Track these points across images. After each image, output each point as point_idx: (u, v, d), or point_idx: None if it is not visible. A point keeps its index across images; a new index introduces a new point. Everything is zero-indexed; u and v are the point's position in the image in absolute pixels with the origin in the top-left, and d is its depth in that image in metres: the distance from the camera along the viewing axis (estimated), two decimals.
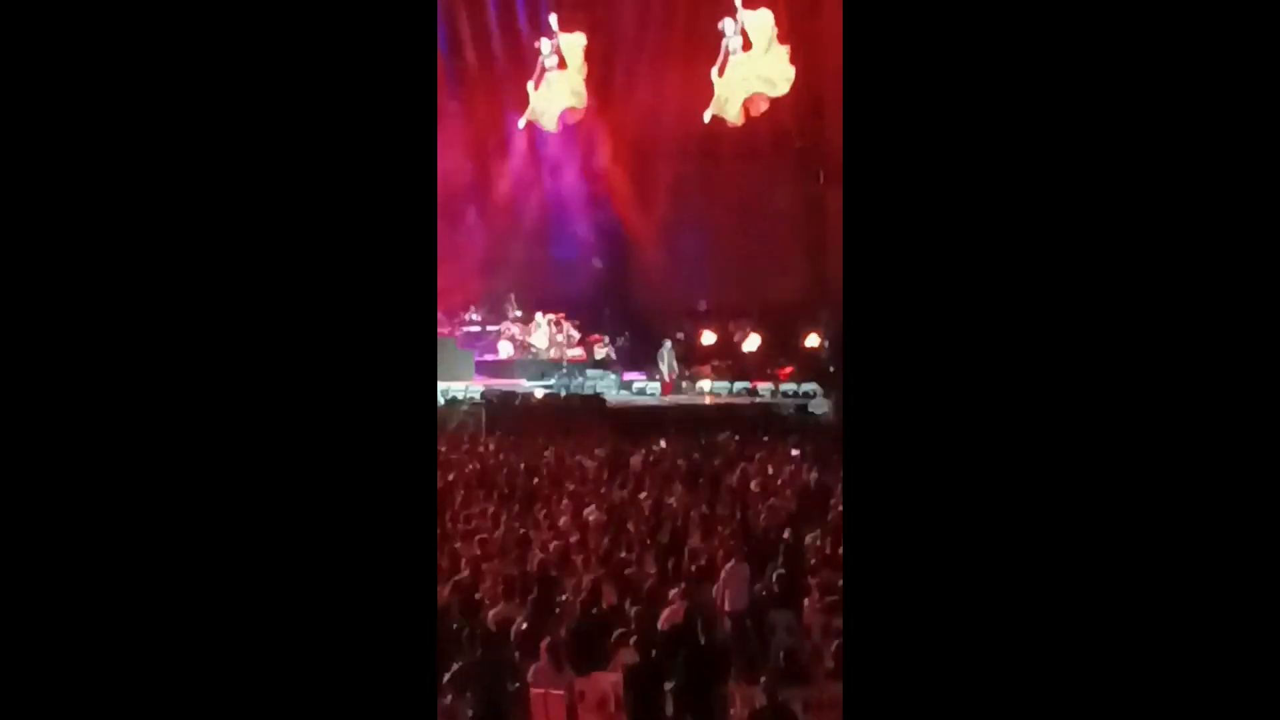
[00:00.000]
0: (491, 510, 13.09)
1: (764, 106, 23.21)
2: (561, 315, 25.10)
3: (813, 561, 10.68)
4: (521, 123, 25.11)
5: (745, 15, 23.12)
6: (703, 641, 8.66)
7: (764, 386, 23.34)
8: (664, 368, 23.80)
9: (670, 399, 23.04)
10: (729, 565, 10.39)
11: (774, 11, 23.10)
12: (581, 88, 24.60)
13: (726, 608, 10.07)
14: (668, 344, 23.92)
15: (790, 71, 22.94)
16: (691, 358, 24.47)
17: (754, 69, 23.12)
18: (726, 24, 23.07)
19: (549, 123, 24.90)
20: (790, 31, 23.20)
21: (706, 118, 23.23)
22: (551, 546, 11.40)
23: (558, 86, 24.71)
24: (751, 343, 24.62)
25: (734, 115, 23.17)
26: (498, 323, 25.42)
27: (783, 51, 23.04)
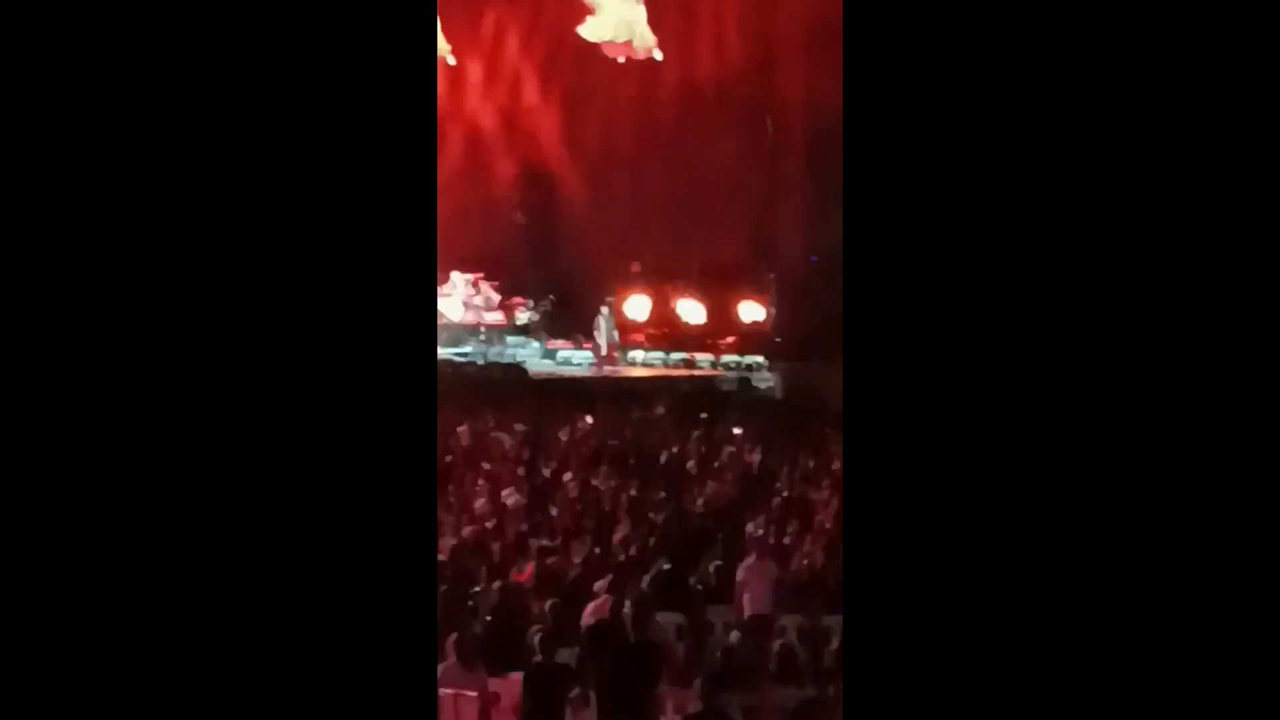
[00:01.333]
0: None
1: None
2: (480, 275, 24.94)
3: (754, 553, 10.69)
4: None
5: None
6: (632, 639, 8.68)
7: (703, 358, 23.41)
8: (601, 337, 23.64)
9: (599, 370, 23.05)
10: (748, 561, 10.09)
11: None
12: None
13: (747, 611, 9.78)
14: (605, 310, 23.75)
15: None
16: (623, 325, 24.41)
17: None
18: None
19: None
20: None
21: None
22: (465, 532, 11.37)
23: None
24: (689, 309, 24.59)
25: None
26: None
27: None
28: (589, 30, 23.91)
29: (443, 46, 24.52)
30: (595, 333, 23.70)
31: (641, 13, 23.83)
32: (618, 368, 23.24)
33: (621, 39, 23.72)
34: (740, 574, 10.05)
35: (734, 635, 9.32)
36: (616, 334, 23.65)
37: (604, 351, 23.49)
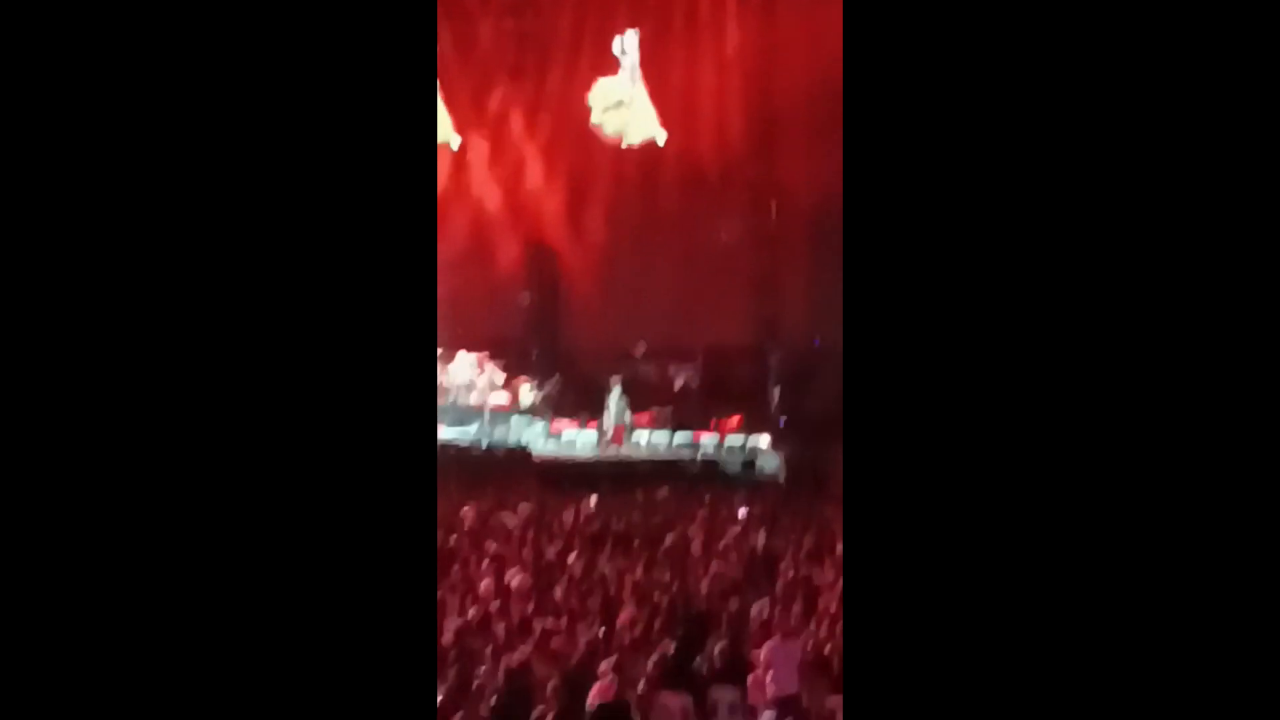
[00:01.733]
0: None
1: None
2: (484, 354, 25.04)
3: (779, 634, 10.73)
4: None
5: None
6: None
7: (707, 438, 23.42)
8: (610, 416, 23.60)
9: (602, 452, 23.04)
10: (773, 642, 10.08)
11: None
12: None
13: (771, 692, 9.73)
14: (618, 387, 23.67)
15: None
16: (630, 404, 24.47)
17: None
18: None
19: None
20: (738, 51, 23.56)
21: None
22: (469, 614, 11.40)
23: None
24: (693, 389, 24.68)
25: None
26: None
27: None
28: (599, 118, 24.11)
29: (446, 127, 24.76)
30: (605, 412, 23.61)
31: (643, 99, 24.03)
32: (623, 450, 23.23)
33: (624, 133, 23.94)
34: (765, 654, 10.03)
35: (766, 716, 9.28)
36: (629, 413, 23.55)
37: (611, 432, 23.41)
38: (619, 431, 23.27)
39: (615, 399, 23.43)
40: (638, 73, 23.92)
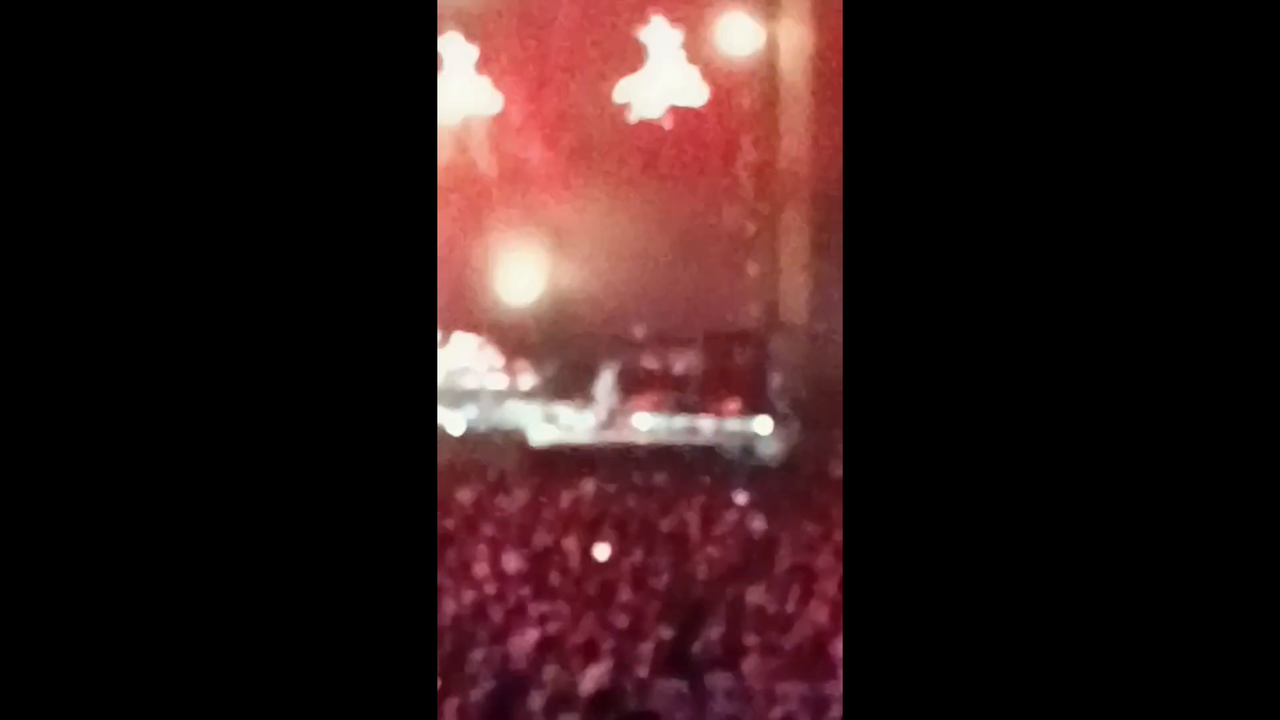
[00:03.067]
0: None
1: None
2: (482, 337, 25.02)
3: (755, 621, 10.86)
4: None
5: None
6: (633, 706, 8.77)
7: (706, 423, 23.46)
8: (602, 400, 23.70)
9: (601, 437, 23.08)
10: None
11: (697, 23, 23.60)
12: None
13: None
14: (608, 372, 23.86)
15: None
16: (627, 389, 24.49)
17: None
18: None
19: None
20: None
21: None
22: (466, 598, 11.48)
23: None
24: (693, 372, 24.70)
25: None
26: None
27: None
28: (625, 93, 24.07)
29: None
30: (597, 394, 23.68)
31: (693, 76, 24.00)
32: (621, 434, 23.26)
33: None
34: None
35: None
36: (616, 396, 23.62)
37: (604, 415, 23.47)
38: (611, 415, 23.31)
39: (605, 382, 23.47)
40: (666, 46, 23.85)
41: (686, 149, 24.12)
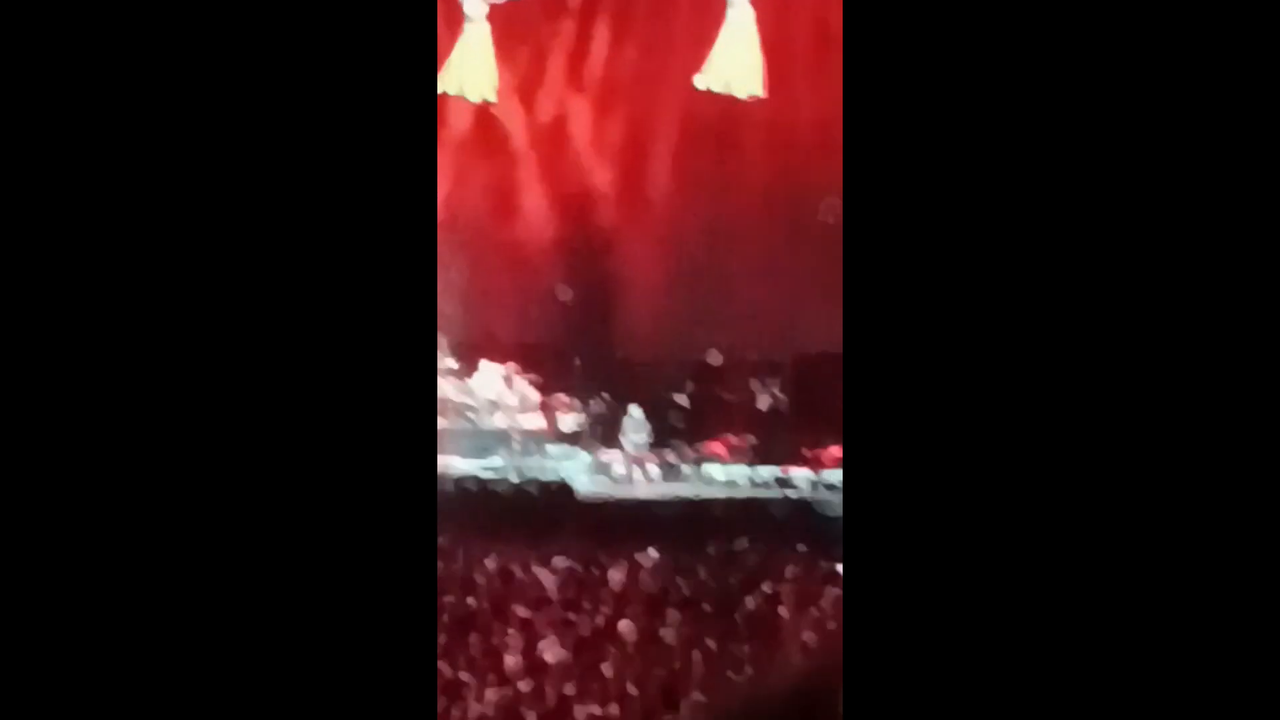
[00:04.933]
0: None
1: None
2: (515, 366, 25.13)
3: None
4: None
5: None
6: None
7: (800, 474, 23.41)
8: (629, 440, 23.70)
9: (667, 490, 23.07)
10: None
11: None
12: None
13: None
14: (636, 408, 23.80)
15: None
16: (697, 430, 24.45)
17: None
18: None
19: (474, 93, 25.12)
20: None
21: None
22: (493, 697, 11.43)
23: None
24: (781, 408, 24.68)
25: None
26: None
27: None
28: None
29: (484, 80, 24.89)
30: (624, 433, 23.70)
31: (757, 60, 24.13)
32: (691, 487, 23.24)
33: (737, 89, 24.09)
34: None
35: None
36: (648, 437, 23.61)
37: (630, 463, 23.50)
38: (639, 460, 23.36)
39: (634, 421, 23.50)
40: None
41: (775, 132, 24.19)
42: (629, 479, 23.39)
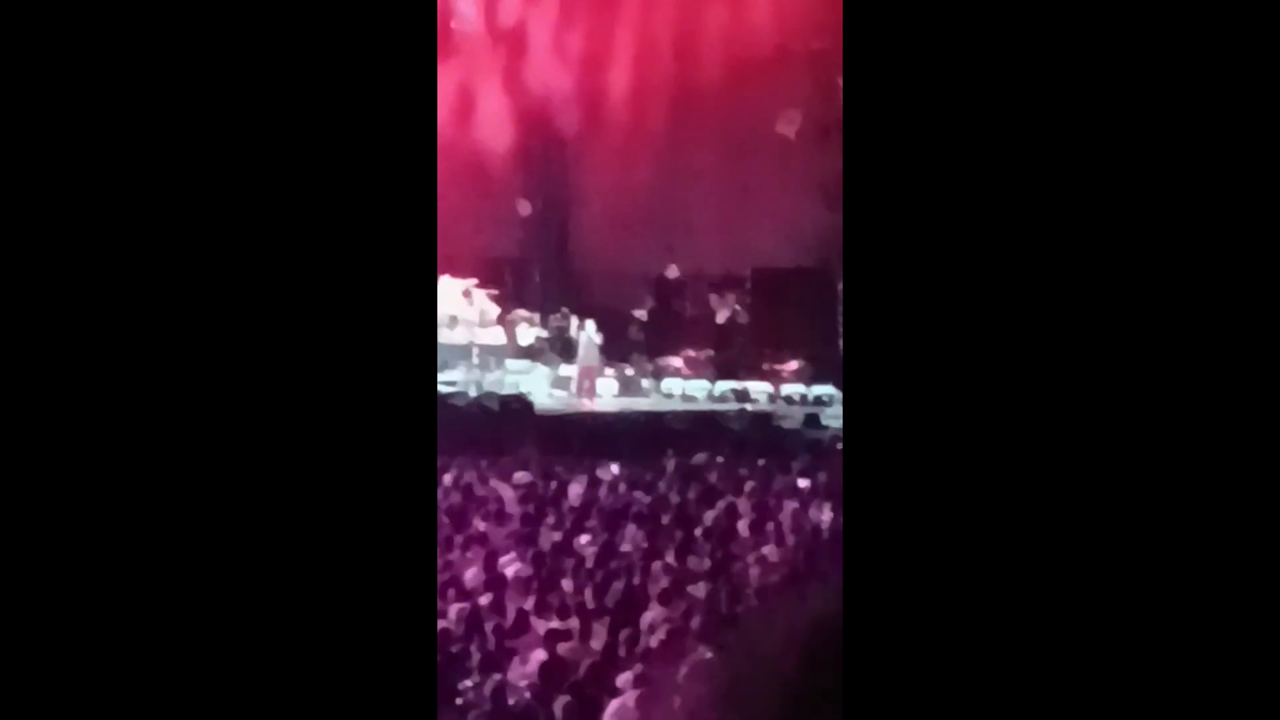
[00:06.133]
0: None
1: None
2: (473, 281, 25.08)
3: None
4: None
5: None
6: None
7: (759, 387, 23.49)
8: (580, 355, 23.66)
9: (628, 403, 23.13)
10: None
11: None
12: None
13: None
14: (590, 324, 23.90)
15: None
16: (658, 345, 24.49)
17: None
18: None
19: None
20: None
21: None
22: (453, 611, 11.49)
23: None
24: (741, 324, 24.72)
25: None
26: None
27: None
28: None
29: None
30: (576, 348, 23.72)
31: None
32: (651, 401, 23.30)
33: None
34: None
35: None
36: (597, 353, 23.60)
37: (579, 380, 23.49)
38: (588, 375, 23.33)
39: (584, 337, 23.48)
40: None
41: (736, 37, 24.13)
42: (588, 393, 23.44)
